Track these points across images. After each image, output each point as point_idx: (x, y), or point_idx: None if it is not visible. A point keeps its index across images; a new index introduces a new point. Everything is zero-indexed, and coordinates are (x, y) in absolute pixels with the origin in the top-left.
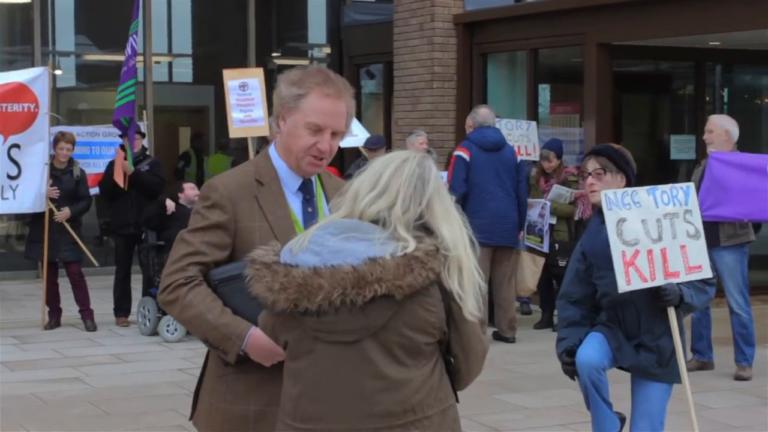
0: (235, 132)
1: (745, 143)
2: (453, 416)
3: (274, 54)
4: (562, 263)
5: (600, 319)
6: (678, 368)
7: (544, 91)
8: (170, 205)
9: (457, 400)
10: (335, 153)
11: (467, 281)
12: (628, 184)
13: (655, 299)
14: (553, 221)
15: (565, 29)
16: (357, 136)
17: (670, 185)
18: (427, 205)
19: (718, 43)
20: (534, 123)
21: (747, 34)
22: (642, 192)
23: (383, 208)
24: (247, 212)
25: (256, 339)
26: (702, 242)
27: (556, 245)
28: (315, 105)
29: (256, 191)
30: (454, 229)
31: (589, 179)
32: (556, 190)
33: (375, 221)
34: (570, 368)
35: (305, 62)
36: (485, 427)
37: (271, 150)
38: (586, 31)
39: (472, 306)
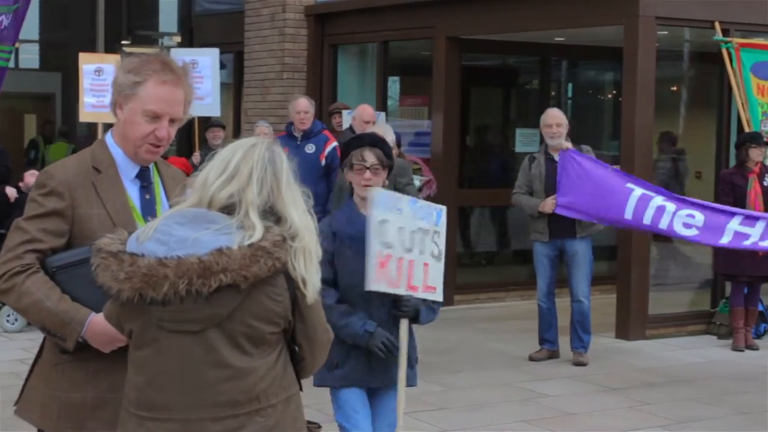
0: (85, 116)
1: (589, 137)
2: (296, 404)
3: (123, 42)
4: None
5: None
6: (410, 372)
7: (394, 84)
8: (11, 192)
9: (301, 389)
10: (173, 140)
11: (312, 266)
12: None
13: (394, 307)
14: None
15: (415, 22)
16: (205, 99)
17: (428, 203)
18: (277, 189)
19: (563, 39)
20: (383, 114)
21: (591, 30)
22: (405, 201)
23: (235, 191)
24: (85, 199)
25: (96, 324)
26: (441, 266)
27: None
28: (152, 92)
29: (94, 178)
30: (301, 215)
31: (367, 173)
32: None
33: (226, 206)
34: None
35: (156, 51)
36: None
37: (108, 137)
38: (435, 24)
39: (314, 288)
